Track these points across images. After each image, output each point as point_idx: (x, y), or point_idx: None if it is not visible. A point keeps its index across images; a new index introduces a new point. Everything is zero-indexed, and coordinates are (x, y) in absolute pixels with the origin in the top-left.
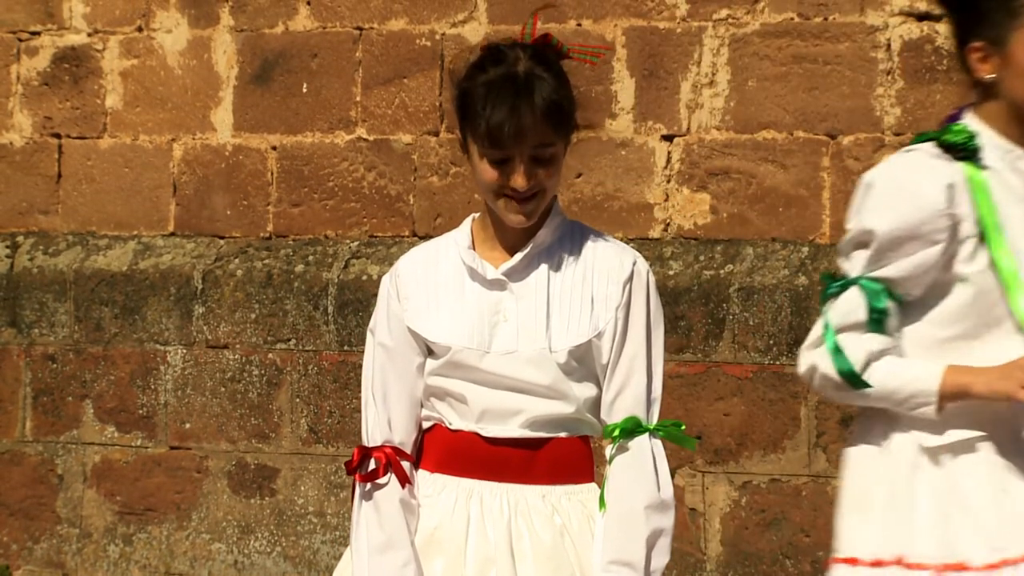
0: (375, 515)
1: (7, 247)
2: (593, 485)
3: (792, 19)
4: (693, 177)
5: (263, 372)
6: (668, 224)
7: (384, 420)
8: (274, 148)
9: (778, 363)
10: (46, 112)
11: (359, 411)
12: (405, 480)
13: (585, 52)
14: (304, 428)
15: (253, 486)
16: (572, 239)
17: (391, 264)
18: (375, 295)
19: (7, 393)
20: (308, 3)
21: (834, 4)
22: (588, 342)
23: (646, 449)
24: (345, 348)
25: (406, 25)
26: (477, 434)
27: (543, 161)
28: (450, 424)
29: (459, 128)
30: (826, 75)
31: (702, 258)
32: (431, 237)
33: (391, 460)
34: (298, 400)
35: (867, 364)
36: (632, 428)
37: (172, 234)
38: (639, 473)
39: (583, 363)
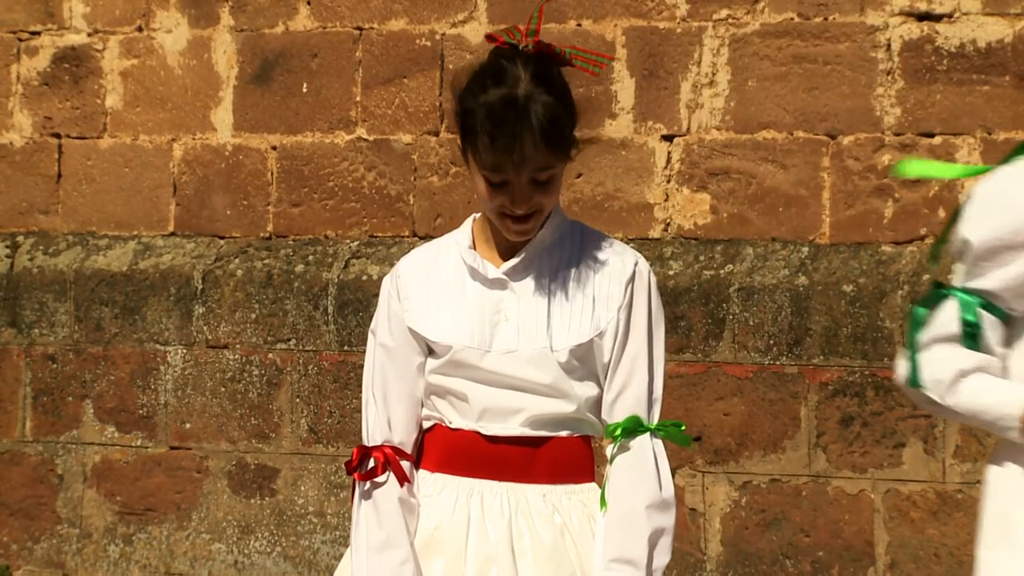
0: (374, 514)
1: (7, 247)
2: (593, 485)
3: (792, 19)
4: (693, 177)
5: (263, 372)
6: (668, 224)
7: (384, 420)
8: (274, 148)
9: (778, 363)
10: (46, 112)
11: (359, 411)
12: (404, 479)
13: (588, 61)
14: (304, 428)
15: (253, 486)
16: (573, 239)
17: (391, 264)
18: (375, 295)
19: (7, 393)
20: (308, 3)
21: (834, 4)
22: (590, 341)
23: (647, 449)
24: (345, 348)
25: (406, 25)
26: (478, 433)
27: (542, 183)
28: (450, 423)
29: (460, 138)
30: (826, 75)
31: (702, 258)
32: (431, 237)
33: (390, 459)
34: (298, 400)
35: (955, 381)
36: (633, 428)
37: (172, 234)
38: (641, 472)
39: (584, 362)
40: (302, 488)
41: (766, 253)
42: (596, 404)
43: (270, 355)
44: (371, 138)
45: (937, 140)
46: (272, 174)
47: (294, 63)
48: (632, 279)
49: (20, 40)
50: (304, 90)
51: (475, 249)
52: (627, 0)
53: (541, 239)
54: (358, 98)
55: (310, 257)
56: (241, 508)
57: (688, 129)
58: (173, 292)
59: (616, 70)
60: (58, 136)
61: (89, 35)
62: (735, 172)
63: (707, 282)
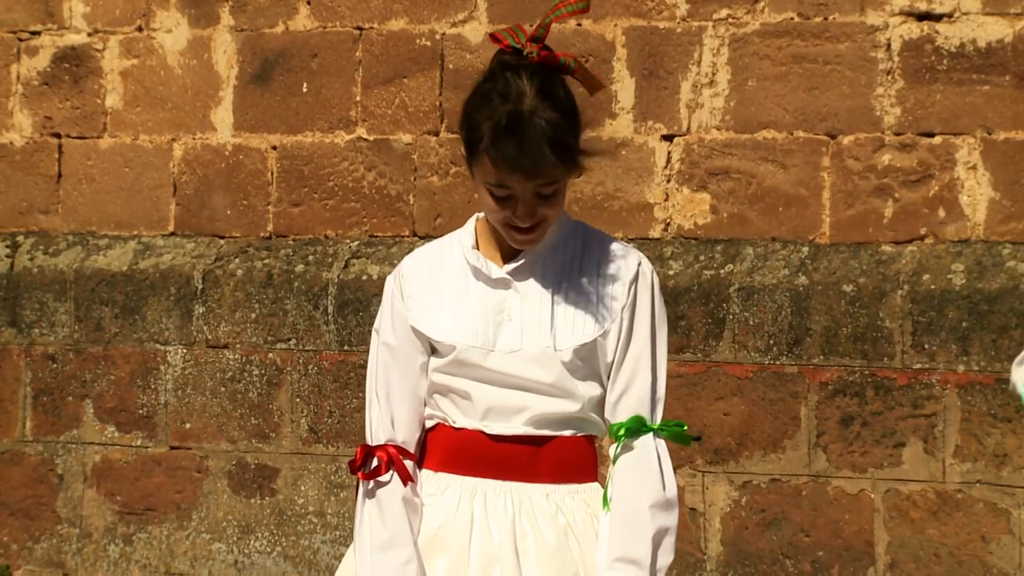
0: (378, 513)
1: (7, 247)
2: (597, 485)
3: (792, 19)
4: (693, 177)
5: (263, 372)
6: (668, 224)
7: (387, 419)
8: (274, 148)
9: (778, 363)
10: (46, 112)
11: (359, 411)
12: (408, 478)
13: (587, 80)
14: (304, 428)
15: (253, 486)
16: (576, 239)
17: (391, 264)
18: (375, 295)
19: (7, 393)
20: (308, 3)
21: (834, 4)
22: (593, 341)
23: (651, 448)
24: (345, 348)
25: (406, 25)
26: (481, 432)
27: (547, 196)
28: (454, 422)
29: (464, 151)
30: (826, 75)
31: (702, 258)
32: (431, 237)
33: (394, 459)
34: (298, 400)
35: None
36: (637, 427)
37: (172, 234)
38: (644, 472)
39: (587, 362)
40: (302, 488)
41: (766, 253)
42: (599, 404)
43: (270, 355)
44: (371, 138)
45: (937, 140)
46: (272, 174)
47: (294, 63)
48: (636, 279)
49: (20, 40)
50: (304, 90)
51: (478, 249)
52: (627, 0)
53: (545, 239)
54: (358, 98)
55: (310, 257)
56: (241, 508)
57: (688, 129)
58: (173, 292)
59: (616, 70)
60: (58, 136)
61: (89, 35)
62: (735, 172)
63: (707, 282)
